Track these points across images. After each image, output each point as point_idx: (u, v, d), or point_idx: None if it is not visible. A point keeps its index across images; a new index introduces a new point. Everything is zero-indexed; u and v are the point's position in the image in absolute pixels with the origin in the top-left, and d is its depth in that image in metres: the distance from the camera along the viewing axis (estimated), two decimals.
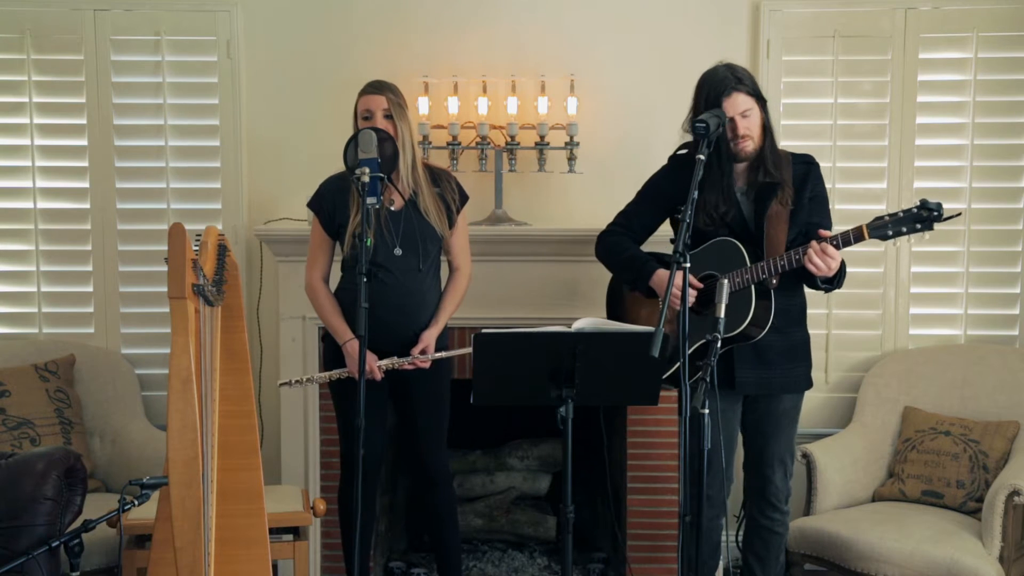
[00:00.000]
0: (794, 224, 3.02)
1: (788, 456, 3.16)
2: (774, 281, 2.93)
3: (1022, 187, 4.07)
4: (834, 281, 2.97)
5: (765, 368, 3.03)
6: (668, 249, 3.07)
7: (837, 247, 2.85)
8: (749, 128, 2.96)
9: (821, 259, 2.83)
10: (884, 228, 2.84)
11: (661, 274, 3.03)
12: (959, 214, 2.87)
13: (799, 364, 3.10)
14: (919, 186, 4.04)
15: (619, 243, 3.19)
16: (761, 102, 3.00)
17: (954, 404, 3.85)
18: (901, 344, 4.10)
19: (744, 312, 2.92)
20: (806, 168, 3.09)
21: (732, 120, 2.92)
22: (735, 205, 3.02)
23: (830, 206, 3.07)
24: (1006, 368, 3.84)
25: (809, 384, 3.15)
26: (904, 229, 2.81)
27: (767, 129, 3.01)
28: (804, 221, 3.04)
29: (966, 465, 3.62)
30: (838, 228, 4.02)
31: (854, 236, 2.85)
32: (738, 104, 2.93)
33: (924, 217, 2.78)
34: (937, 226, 2.82)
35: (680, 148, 3.14)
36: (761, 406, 3.11)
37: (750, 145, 2.98)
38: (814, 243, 2.85)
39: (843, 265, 2.95)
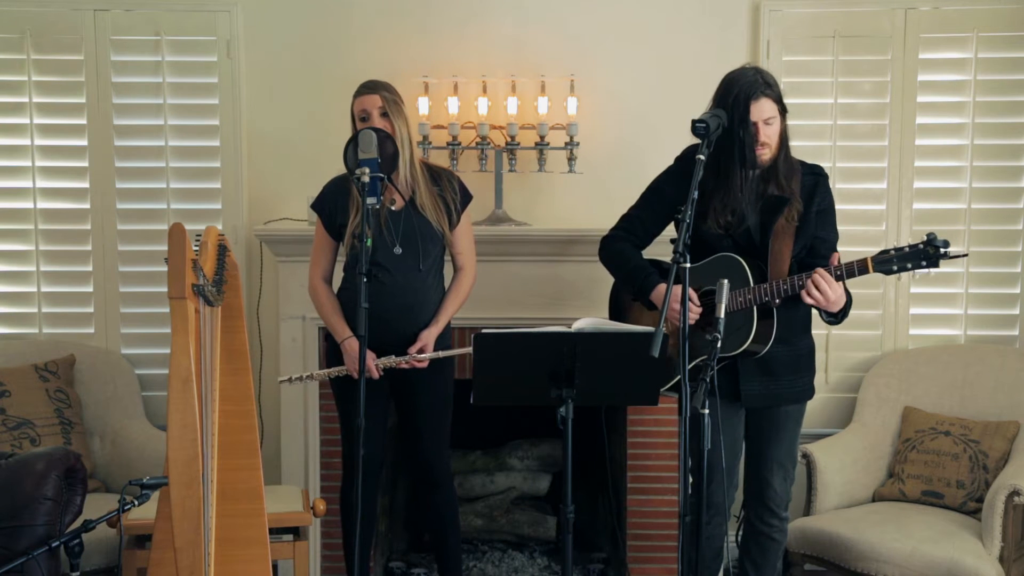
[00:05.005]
0: (800, 238, 2.94)
1: (789, 462, 3.11)
2: (777, 301, 2.86)
3: (1022, 187, 4.07)
4: (838, 315, 2.88)
5: (771, 380, 2.98)
6: (668, 249, 3.03)
7: (840, 278, 2.77)
8: (770, 137, 2.87)
9: (819, 289, 2.75)
10: (889, 263, 2.76)
11: (662, 288, 2.94)
12: (966, 255, 2.82)
13: (804, 374, 3.05)
14: (919, 186, 4.04)
15: (622, 252, 3.11)
16: (783, 111, 2.91)
17: (954, 404, 3.85)
18: (901, 344, 4.10)
19: (746, 331, 2.87)
20: (815, 180, 3.00)
21: (755, 125, 2.83)
22: (741, 218, 2.94)
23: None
24: (1006, 368, 3.84)
25: (812, 393, 3.10)
26: (909, 265, 2.74)
27: (783, 140, 2.92)
28: (810, 234, 2.96)
29: (966, 465, 3.62)
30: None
31: (858, 269, 2.77)
32: (764, 110, 2.83)
33: (931, 254, 2.72)
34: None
35: (687, 149, 3.06)
36: (763, 412, 3.07)
37: (767, 154, 2.89)
38: (819, 270, 2.77)
39: (849, 299, 2.86)
